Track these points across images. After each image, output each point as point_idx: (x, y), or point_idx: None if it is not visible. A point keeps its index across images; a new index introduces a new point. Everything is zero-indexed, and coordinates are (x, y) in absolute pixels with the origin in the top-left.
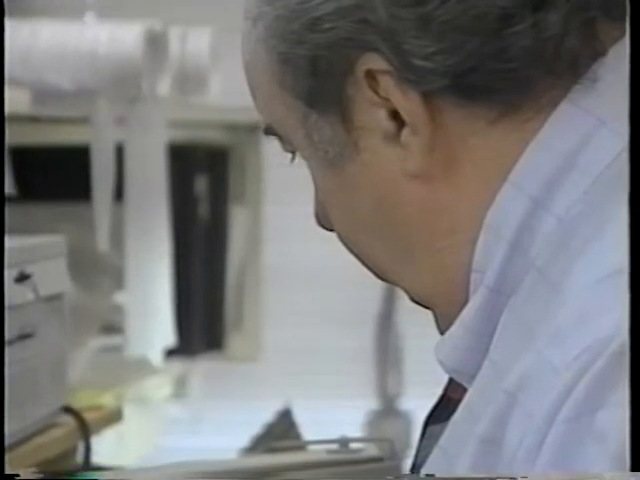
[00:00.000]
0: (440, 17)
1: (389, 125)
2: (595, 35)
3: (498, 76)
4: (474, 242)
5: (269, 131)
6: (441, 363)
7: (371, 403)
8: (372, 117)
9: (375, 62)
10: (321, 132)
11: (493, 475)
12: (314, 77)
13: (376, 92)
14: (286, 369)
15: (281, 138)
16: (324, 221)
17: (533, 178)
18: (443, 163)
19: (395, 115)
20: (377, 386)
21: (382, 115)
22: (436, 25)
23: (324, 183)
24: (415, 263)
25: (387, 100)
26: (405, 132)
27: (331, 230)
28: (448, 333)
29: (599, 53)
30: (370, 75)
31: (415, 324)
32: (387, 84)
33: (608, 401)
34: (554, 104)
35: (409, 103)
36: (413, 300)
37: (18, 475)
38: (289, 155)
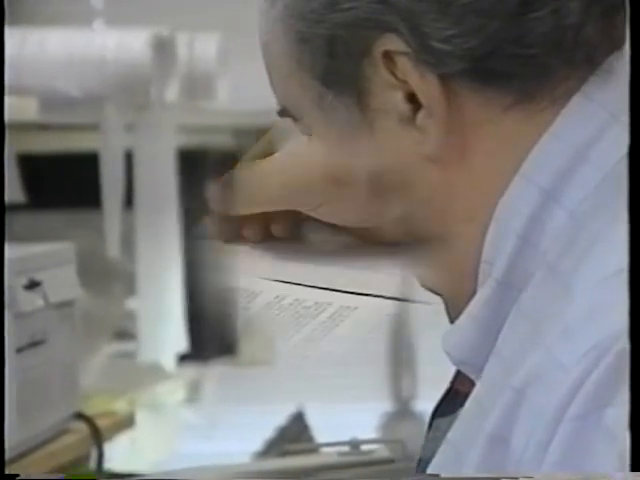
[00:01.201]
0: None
1: (405, 107)
2: (615, 26)
3: (517, 61)
4: (486, 232)
5: (283, 113)
6: (448, 354)
7: (385, 405)
8: (388, 99)
9: (393, 43)
10: (336, 112)
11: (500, 475)
12: (331, 57)
13: (393, 74)
14: (299, 372)
15: (296, 120)
16: None
17: (544, 170)
18: (457, 149)
19: (412, 97)
20: (391, 388)
21: (399, 97)
22: (456, 7)
23: None
24: (427, 248)
25: (404, 82)
26: (421, 114)
27: None
28: (455, 324)
29: (617, 45)
30: (388, 56)
31: (428, 326)
32: (405, 66)
33: (617, 398)
34: (569, 96)
35: (427, 85)
36: (423, 285)
37: (18, 475)
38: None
